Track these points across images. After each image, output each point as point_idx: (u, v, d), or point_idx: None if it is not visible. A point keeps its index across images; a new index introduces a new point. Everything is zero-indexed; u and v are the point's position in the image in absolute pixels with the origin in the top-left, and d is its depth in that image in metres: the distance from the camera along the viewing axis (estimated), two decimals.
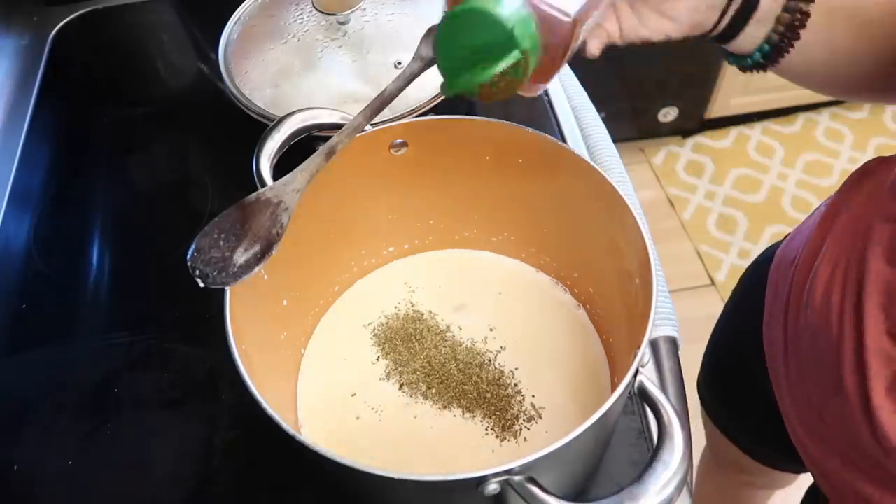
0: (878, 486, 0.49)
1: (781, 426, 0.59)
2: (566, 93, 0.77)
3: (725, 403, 0.79)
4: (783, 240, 0.64)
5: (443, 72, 0.39)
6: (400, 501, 0.44)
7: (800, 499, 0.71)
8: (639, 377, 0.38)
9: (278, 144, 0.52)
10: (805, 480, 0.69)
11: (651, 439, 0.52)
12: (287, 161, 0.51)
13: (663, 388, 0.56)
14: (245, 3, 0.77)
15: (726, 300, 0.77)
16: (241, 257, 0.42)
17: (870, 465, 0.49)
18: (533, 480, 0.34)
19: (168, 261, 0.67)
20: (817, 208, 0.60)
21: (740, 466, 0.83)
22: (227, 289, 0.42)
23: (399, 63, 0.69)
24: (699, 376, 0.81)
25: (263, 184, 0.50)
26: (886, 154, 0.51)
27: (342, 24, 0.71)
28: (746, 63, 0.46)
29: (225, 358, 0.40)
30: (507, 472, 0.34)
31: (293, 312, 0.54)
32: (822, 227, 0.55)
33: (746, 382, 0.67)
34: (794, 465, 0.59)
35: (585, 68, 0.83)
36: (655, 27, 0.43)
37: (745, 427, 0.78)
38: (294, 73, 0.70)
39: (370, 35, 0.71)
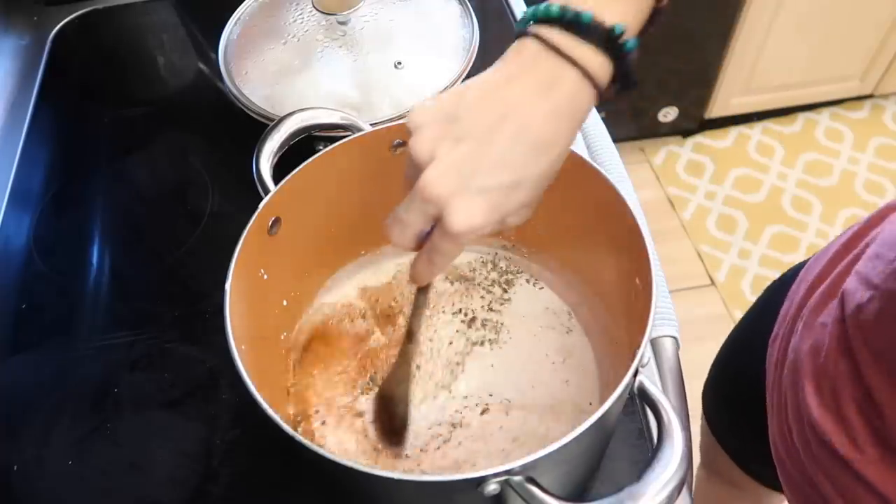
0: None
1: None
2: None
3: (729, 420, 0.78)
4: (811, 257, 0.62)
5: None
6: (400, 502, 0.44)
7: None
8: (639, 377, 0.38)
9: (278, 144, 0.52)
10: None
11: (651, 439, 0.52)
12: (287, 161, 0.51)
13: (663, 388, 0.56)
14: (245, 3, 0.77)
15: (747, 309, 0.76)
16: None
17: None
18: (533, 480, 0.35)
19: (168, 261, 0.67)
20: (846, 231, 0.57)
21: (734, 482, 0.83)
22: (227, 289, 0.42)
23: (399, 63, 0.69)
24: (705, 383, 0.81)
25: (263, 184, 0.50)
26: (886, 154, 0.51)
27: (342, 24, 0.71)
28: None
29: (225, 358, 0.40)
30: (507, 472, 0.34)
31: (293, 312, 0.54)
32: (836, 257, 0.54)
33: (752, 402, 0.66)
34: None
35: None
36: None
37: (744, 443, 0.77)
38: (294, 73, 0.70)
39: (370, 35, 0.71)
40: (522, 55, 0.37)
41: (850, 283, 0.47)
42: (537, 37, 0.37)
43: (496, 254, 0.60)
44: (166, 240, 0.69)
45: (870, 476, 0.43)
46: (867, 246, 0.49)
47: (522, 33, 0.38)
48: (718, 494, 0.91)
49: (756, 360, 0.63)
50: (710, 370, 0.80)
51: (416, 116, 0.38)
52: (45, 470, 0.55)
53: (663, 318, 0.58)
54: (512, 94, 0.36)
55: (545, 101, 0.36)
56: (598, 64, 0.36)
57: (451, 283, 0.58)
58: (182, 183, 0.75)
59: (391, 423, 0.48)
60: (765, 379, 0.61)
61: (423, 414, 0.51)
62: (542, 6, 0.37)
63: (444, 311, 0.57)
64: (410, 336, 0.47)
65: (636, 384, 0.38)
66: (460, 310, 0.57)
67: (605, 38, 0.36)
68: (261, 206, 0.47)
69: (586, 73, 0.36)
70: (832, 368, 0.46)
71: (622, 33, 0.36)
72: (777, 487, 0.78)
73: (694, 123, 1.83)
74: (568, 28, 0.36)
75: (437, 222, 0.37)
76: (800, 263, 0.65)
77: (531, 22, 0.38)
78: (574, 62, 0.36)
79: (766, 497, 0.83)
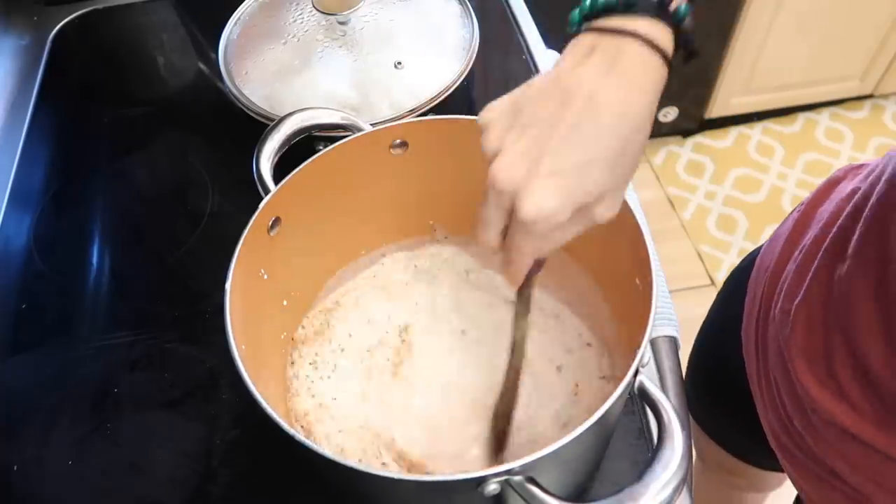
0: (846, 499, 0.49)
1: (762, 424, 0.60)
2: None
3: (711, 406, 0.79)
4: (763, 245, 0.64)
5: None
6: (400, 502, 0.44)
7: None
8: (639, 377, 0.38)
9: (278, 144, 0.52)
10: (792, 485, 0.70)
11: (651, 439, 0.52)
12: (287, 161, 0.51)
13: (663, 388, 0.56)
14: (245, 3, 0.77)
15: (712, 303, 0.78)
16: None
17: (837, 480, 0.49)
18: (533, 480, 0.34)
19: (168, 261, 0.68)
20: (790, 214, 0.60)
21: (727, 469, 0.83)
22: (227, 289, 0.42)
23: (399, 63, 0.69)
24: (685, 379, 0.81)
25: (263, 184, 0.50)
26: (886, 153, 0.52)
27: (342, 24, 0.71)
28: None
29: (225, 358, 0.40)
30: (507, 472, 0.34)
31: (293, 312, 0.54)
32: (791, 237, 0.56)
33: (731, 385, 0.67)
34: (777, 462, 0.60)
35: None
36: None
37: (731, 429, 0.78)
38: (294, 73, 0.70)
39: (370, 35, 0.71)
40: (580, 45, 0.36)
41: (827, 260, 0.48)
42: (590, 29, 0.36)
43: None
44: (166, 240, 0.69)
45: (879, 444, 0.44)
46: (827, 225, 0.50)
47: (575, 34, 0.37)
48: (716, 484, 0.91)
49: (730, 349, 0.64)
50: (687, 367, 0.80)
51: (485, 114, 0.38)
52: (45, 470, 0.55)
53: (663, 318, 0.58)
54: (576, 77, 0.35)
55: (610, 74, 0.35)
56: (658, 31, 0.36)
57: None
58: (182, 183, 0.75)
59: (495, 437, 0.48)
60: (742, 367, 0.61)
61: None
62: (586, 3, 0.37)
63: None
64: (514, 346, 0.45)
65: (636, 384, 0.38)
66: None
67: (656, 8, 0.36)
68: (261, 206, 0.47)
69: (648, 41, 0.35)
70: (824, 344, 0.47)
71: (670, 2, 0.36)
72: (773, 467, 0.78)
73: (694, 123, 1.83)
74: (616, 7, 0.36)
75: (513, 214, 0.36)
76: (754, 251, 0.66)
77: (580, 21, 0.37)
78: (633, 34, 0.35)
79: (764, 478, 0.84)
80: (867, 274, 0.44)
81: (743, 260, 0.70)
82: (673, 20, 0.36)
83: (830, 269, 0.47)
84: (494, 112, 0.37)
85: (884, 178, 0.44)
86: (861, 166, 0.54)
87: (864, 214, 0.45)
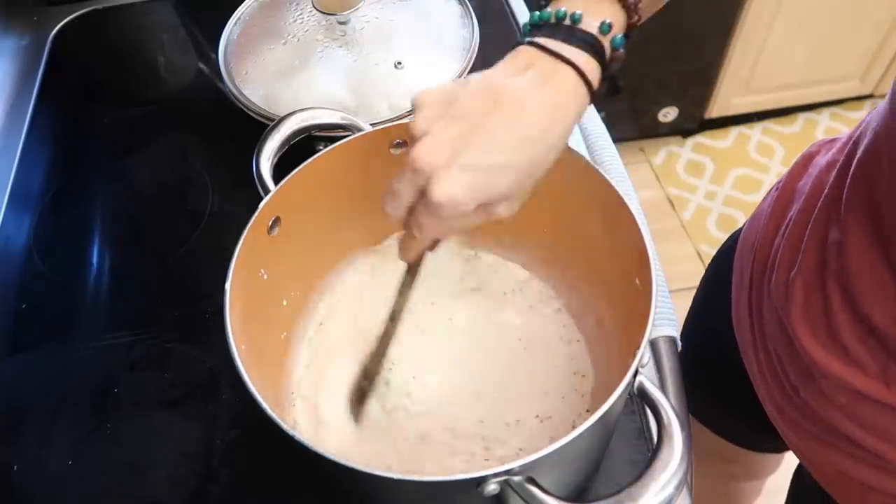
0: (855, 462, 0.50)
1: (758, 404, 0.61)
2: None
3: (704, 394, 0.79)
4: (743, 226, 0.65)
5: None
6: (400, 502, 0.44)
7: (783, 499, 0.72)
8: (639, 377, 0.38)
9: (278, 144, 0.52)
10: (788, 471, 0.70)
11: (651, 439, 0.52)
12: (287, 161, 0.51)
13: (663, 388, 0.56)
14: (245, 3, 0.77)
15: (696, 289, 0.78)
16: None
17: (846, 443, 0.50)
18: (532, 481, 0.34)
19: (168, 261, 0.68)
20: (770, 191, 0.61)
21: (723, 457, 0.83)
22: (227, 289, 0.42)
23: (399, 63, 0.69)
24: None
25: (263, 184, 0.50)
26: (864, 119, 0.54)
27: (342, 24, 0.71)
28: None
29: (225, 358, 0.40)
30: (507, 472, 0.34)
31: (293, 312, 0.54)
32: (775, 213, 0.57)
33: (723, 368, 0.68)
34: (775, 443, 0.60)
35: None
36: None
37: (727, 416, 0.78)
38: (294, 73, 0.70)
39: (370, 35, 0.71)
40: (518, 59, 0.39)
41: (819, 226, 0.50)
42: (532, 43, 0.39)
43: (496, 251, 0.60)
44: (166, 240, 0.69)
45: (890, 400, 0.45)
46: (811, 197, 0.52)
47: (518, 44, 0.40)
48: (713, 478, 0.91)
49: (720, 332, 0.64)
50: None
51: (421, 97, 0.40)
52: (45, 470, 0.55)
53: (663, 318, 0.59)
54: (510, 84, 0.38)
55: (540, 92, 0.38)
56: (589, 65, 0.39)
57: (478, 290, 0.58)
58: (182, 183, 0.75)
59: (356, 394, 0.51)
60: (733, 348, 0.62)
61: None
62: (535, 13, 0.40)
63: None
64: (393, 316, 0.49)
65: (636, 384, 0.38)
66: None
67: (592, 42, 0.38)
68: (261, 206, 0.47)
69: (579, 71, 0.38)
70: (825, 309, 0.48)
71: (609, 30, 0.38)
72: (770, 449, 0.79)
73: (694, 123, 1.83)
74: (559, 31, 0.38)
75: (423, 194, 0.39)
76: (734, 234, 0.68)
77: (526, 35, 0.40)
78: (568, 61, 0.38)
79: (761, 462, 0.84)
80: (861, 228, 0.45)
81: (724, 244, 0.71)
82: (604, 58, 0.39)
83: (823, 235, 0.49)
84: (431, 97, 0.39)
85: (868, 133, 0.45)
86: (834, 140, 0.56)
87: (850, 172, 0.46)
